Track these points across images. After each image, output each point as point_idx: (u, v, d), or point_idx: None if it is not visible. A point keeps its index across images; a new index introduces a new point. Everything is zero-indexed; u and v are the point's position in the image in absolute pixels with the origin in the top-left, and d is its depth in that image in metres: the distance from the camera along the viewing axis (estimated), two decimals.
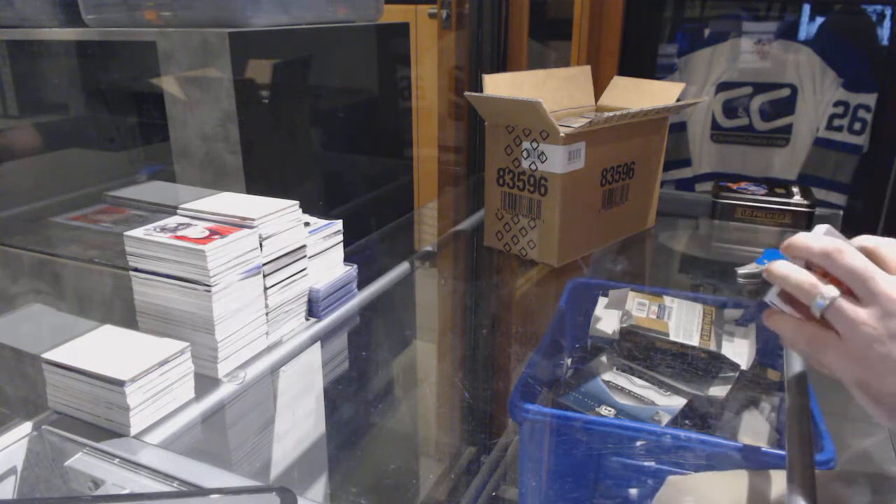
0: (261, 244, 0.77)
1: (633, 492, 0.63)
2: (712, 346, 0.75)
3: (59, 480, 0.62)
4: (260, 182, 0.94)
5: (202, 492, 0.56)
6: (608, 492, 0.63)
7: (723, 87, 1.58)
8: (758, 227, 1.26)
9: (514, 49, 1.76)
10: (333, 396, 0.80)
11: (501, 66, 1.75)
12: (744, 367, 0.73)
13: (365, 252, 1.16)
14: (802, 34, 1.50)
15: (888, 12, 1.48)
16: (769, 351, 0.76)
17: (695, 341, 0.75)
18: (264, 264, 0.77)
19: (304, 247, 0.84)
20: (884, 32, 1.50)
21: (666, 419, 0.68)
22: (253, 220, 0.76)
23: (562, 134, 1.00)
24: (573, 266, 1.10)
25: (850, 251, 0.42)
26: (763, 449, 0.58)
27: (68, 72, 1.08)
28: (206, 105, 0.92)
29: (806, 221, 1.25)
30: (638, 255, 1.18)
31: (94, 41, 1.03)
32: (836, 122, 1.48)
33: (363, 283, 0.97)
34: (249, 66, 0.94)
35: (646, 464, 0.60)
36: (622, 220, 1.17)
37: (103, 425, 0.64)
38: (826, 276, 0.43)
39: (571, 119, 1.17)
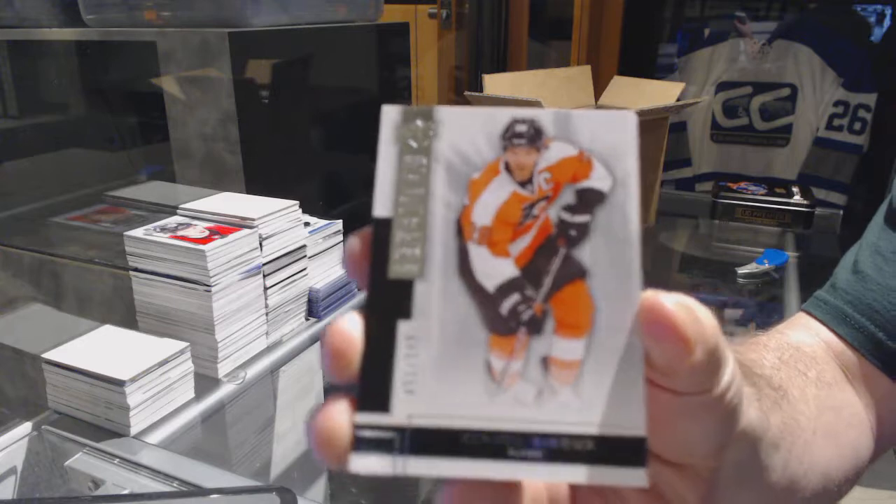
0: (261, 244, 0.76)
1: None
2: None
3: (59, 480, 0.62)
4: (260, 182, 0.94)
5: (202, 492, 0.56)
6: None
7: (723, 86, 1.58)
8: (758, 227, 1.26)
9: (514, 49, 1.76)
10: None
11: (501, 66, 1.75)
12: None
13: None
14: (802, 34, 1.50)
15: (888, 12, 1.48)
16: None
17: None
18: (264, 264, 0.77)
19: (304, 247, 0.83)
20: (883, 32, 1.50)
21: None
22: (253, 219, 0.76)
23: None
24: None
25: None
26: None
27: (68, 72, 1.07)
28: (206, 105, 0.92)
29: (806, 221, 1.25)
30: None
31: (94, 41, 1.03)
32: (837, 122, 1.48)
33: None
34: (249, 65, 0.94)
35: None
36: None
37: (103, 425, 0.64)
38: None
39: None
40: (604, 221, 0.19)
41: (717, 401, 0.21)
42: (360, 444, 0.18)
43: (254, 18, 0.96)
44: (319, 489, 0.67)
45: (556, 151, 0.20)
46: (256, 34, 0.97)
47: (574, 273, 0.19)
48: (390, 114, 0.20)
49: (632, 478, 0.18)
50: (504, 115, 0.20)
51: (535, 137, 0.20)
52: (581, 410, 0.18)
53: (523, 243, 0.19)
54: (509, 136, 0.20)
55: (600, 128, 0.20)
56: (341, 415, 0.18)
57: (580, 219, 0.19)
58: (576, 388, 0.19)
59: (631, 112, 0.20)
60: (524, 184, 0.20)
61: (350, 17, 1.18)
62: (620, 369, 0.19)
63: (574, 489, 0.23)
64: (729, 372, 0.21)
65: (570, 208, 0.20)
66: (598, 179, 0.20)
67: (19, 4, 1.04)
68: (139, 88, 1.02)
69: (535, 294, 0.19)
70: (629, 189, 0.19)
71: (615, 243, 0.19)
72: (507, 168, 0.20)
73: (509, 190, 0.20)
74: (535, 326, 0.19)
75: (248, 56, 0.93)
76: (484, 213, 0.20)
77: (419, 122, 0.20)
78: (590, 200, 0.19)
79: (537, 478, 0.19)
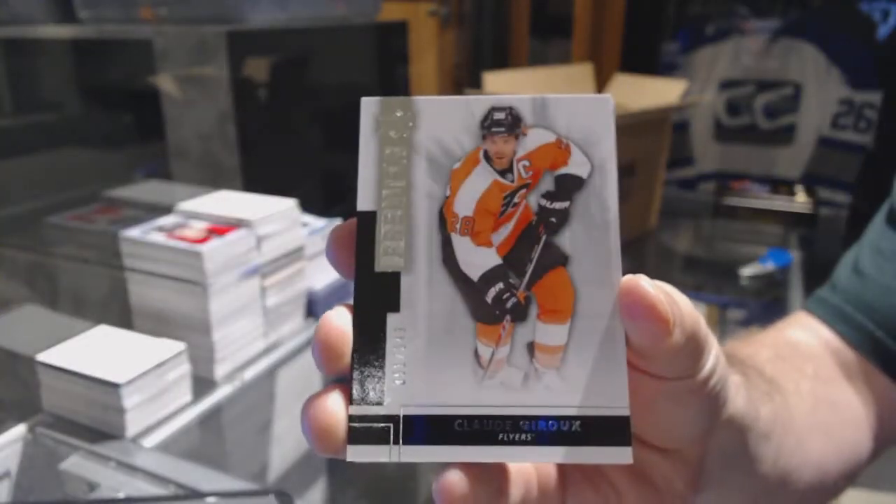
0: (259, 244, 0.76)
1: None
2: None
3: (54, 483, 0.61)
4: (257, 181, 0.94)
5: (199, 495, 0.56)
6: None
7: (726, 85, 1.57)
8: (761, 227, 1.26)
9: (515, 47, 1.76)
10: None
11: (502, 64, 1.74)
12: None
13: None
14: (806, 32, 1.49)
15: (893, 9, 1.47)
16: None
17: None
18: (262, 264, 0.77)
19: (302, 247, 0.83)
20: (888, 29, 1.49)
21: None
22: (251, 219, 0.75)
23: None
24: None
25: None
26: None
27: (63, 70, 1.07)
28: (203, 103, 0.91)
29: (810, 221, 1.24)
30: (640, 256, 1.18)
31: (89, 39, 1.02)
32: (841, 121, 1.47)
33: None
34: (247, 64, 0.93)
35: None
36: (623, 220, 1.16)
37: (99, 428, 0.64)
38: None
39: None
40: (583, 207, 0.20)
41: (700, 386, 0.21)
42: (356, 435, 0.19)
43: (251, 16, 0.95)
44: (318, 492, 0.67)
45: (535, 138, 0.20)
46: (254, 32, 0.96)
47: (555, 260, 0.20)
48: (369, 105, 0.20)
49: (617, 456, 0.18)
50: (482, 102, 0.20)
51: (513, 125, 0.20)
52: (566, 393, 0.19)
53: (505, 232, 0.20)
54: (488, 125, 0.20)
55: (577, 113, 0.20)
56: (336, 407, 0.19)
57: (559, 205, 0.20)
58: (560, 372, 0.19)
59: (608, 95, 0.20)
60: (504, 172, 0.20)
61: (349, 15, 1.17)
62: (603, 352, 0.19)
63: (563, 474, 0.23)
64: (711, 358, 0.21)
65: (549, 195, 0.20)
66: (576, 165, 0.20)
67: (12, 0, 1.03)
68: (135, 87, 1.01)
69: (518, 282, 0.20)
70: (607, 174, 0.20)
71: (594, 229, 0.20)
72: (487, 157, 0.20)
73: (489, 179, 0.20)
74: (519, 314, 0.19)
75: (245, 54, 0.92)
76: (466, 203, 0.20)
77: (398, 113, 0.20)
78: (569, 187, 0.20)
79: (527, 460, 0.19)
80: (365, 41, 1.21)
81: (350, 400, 0.19)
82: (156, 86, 0.94)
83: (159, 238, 0.71)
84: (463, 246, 0.20)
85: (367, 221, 0.20)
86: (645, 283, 0.19)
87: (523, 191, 0.20)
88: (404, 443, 0.19)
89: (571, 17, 1.66)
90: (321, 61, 1.10)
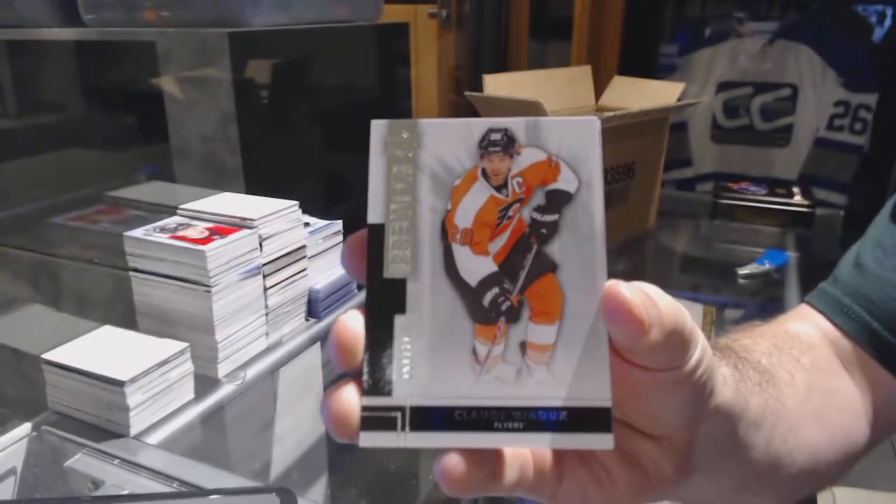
0: (260, 244, 0.76)
1: None
2: None
3: (59, 481, 0.62)
4: (259, 182, 0.94)
5: (202, 492, 0.56)
6: None
7: (723, 86, 1.57)
8: (758, 228, 1.26)
9: (515, 49, 1.76)
10: None
11: (501, 66, 1.75)
12: None
13: None
14: (803, 34, 1.50)
15: (889, 11, 1.48)
16: None
17: None
18: (264, 264, 0.77)
19: (303, 247, 0.83)
20: (884, 32, 1.50)
21: None
22: (253, 220, 0.76)
23: None
24: None
25: None
26: None
27: (67, 72, 1.07)
28: (206, 105, 0.92)
29: (806, 222, 1.25)
30: (638, 256, 1.18)
31: (93, 41, 1.03)
32: (837, 122, 1.48)
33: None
34: (249, 65, 0.94)
35: None
36: (622, 220, 1.17)
37: (103, 426, 0.64)
38: None
39: None
40: (571, 219, 0.22)
41: (686, 377, 0.23)
42: (368, 423, 0.21)
43: (253, 18, 0.95)
44: (319, 490, 0.67)
45: (528, 157, 0.22)
46: (256, 34, 0.97)
47: (545, 267, 0.22)
48: (378, 128, 0.23)
49: (600, 442, 0.21)
50: (480, 125, 0.22)
51: (508, 145, 0.22)
52: (554, 386, 0.21)
53: (500, 242, 0.22)
54: (485, 145, 0.22)
55: (567, 134, 0.22)
56: (351, 398, 0.21)
57: (550, 218, 0.22)
58: (549, 368, 0.21)
59: (595, 118, 0.22)
60: (500, 188, 0.22)
61: (350, 17, 1.18)
62: (587, 350, 0.21)
63: (558, 457, 0.25)
64: (698, 351, 0.23)
65: (540, 209, 0.22)
66: (565, 182, 0.22)
67: (18, 4, 1.04)
68: (138, 88, 1.02)
69: (512, 287, 0.22)
70: (593, 189, 0.22)
71: (581, 239, 0.22)
72: (485, 174, 0.22)
73: (487, 194, 0.22)
74: (512, 315, 0.22)
75: (247, 56, 0.93)
76: (465, 216, 0.22)
77: (404, 135, 0.22)
78: (558, 201, 0.22)
79: (519, 446, 0.22)
80: (366, 43, 1.22)
81: (363, 392, 0.21)
82: (159, 87, 0.94)
83: (162, 238, 0.72)
84: (462, 255, 0.22)
85: (377, 233, 0.22)
86: (623, 289, 0.21)
87: (517, 205, 0.22)
88: (410, 430, 0.21)
89: (571, 19, 1.67)
90: (322, 63, 1.11)
